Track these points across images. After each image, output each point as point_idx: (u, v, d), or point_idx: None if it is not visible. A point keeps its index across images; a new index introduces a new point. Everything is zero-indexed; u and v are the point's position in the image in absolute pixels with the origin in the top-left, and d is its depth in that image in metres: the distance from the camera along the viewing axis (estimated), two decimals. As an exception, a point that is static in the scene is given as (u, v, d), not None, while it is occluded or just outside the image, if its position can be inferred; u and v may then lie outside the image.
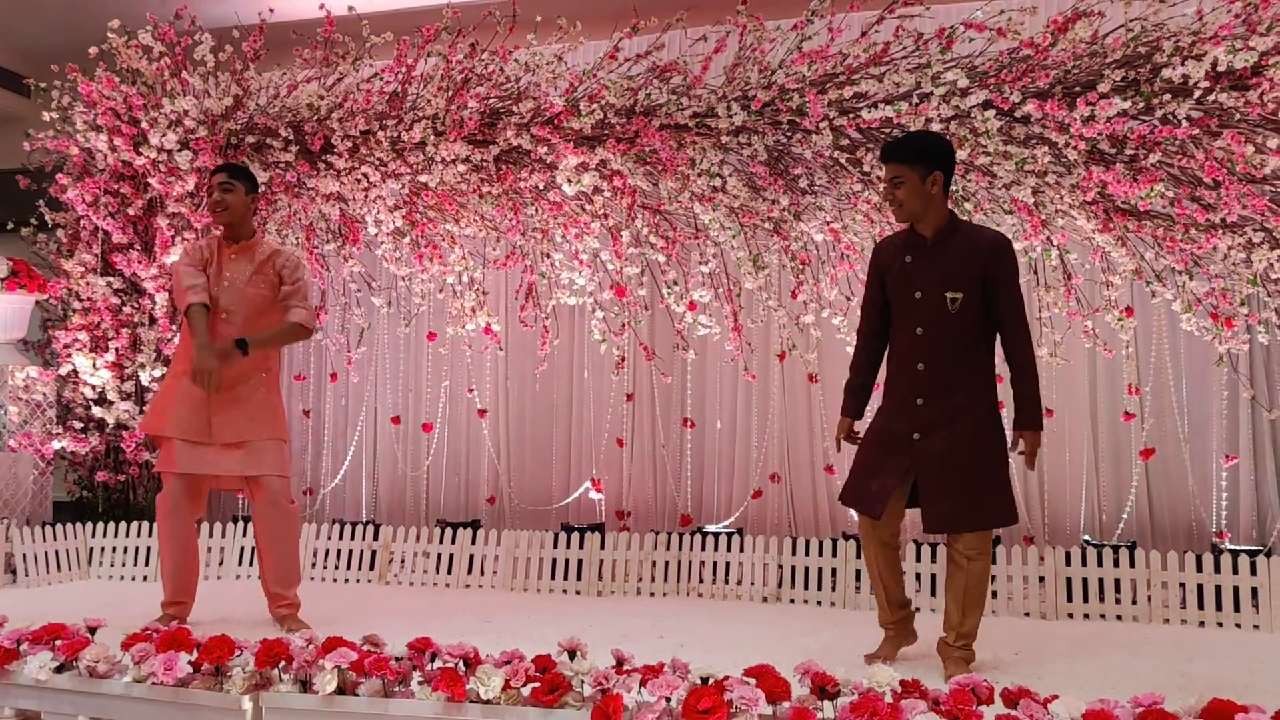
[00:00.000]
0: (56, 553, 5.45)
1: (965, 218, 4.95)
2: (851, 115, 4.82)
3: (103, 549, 5.64)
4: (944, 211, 3.50)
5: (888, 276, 3.57)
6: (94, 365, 5.83)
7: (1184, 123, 4.38)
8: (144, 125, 5.67)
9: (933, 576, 4.91)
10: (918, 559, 4.95)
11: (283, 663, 2.43)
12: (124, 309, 5.94)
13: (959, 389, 3.42)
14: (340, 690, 2.34)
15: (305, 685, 2.40)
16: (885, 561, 3.61)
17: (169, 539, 4.13)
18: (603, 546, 5.40)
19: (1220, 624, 4.53)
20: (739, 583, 5.19)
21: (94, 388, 5.88)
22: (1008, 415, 3.61)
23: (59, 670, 2.56)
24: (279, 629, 4.02)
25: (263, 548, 4.18)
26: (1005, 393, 3.53)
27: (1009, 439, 3.52)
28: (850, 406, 3.73)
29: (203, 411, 4.06)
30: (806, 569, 5.12)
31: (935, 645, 3.53)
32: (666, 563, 5.31)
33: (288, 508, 4.17)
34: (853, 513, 5.95)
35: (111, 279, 5.91)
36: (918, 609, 4.80)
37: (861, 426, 3.70)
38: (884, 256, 3.62)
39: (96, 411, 5.86)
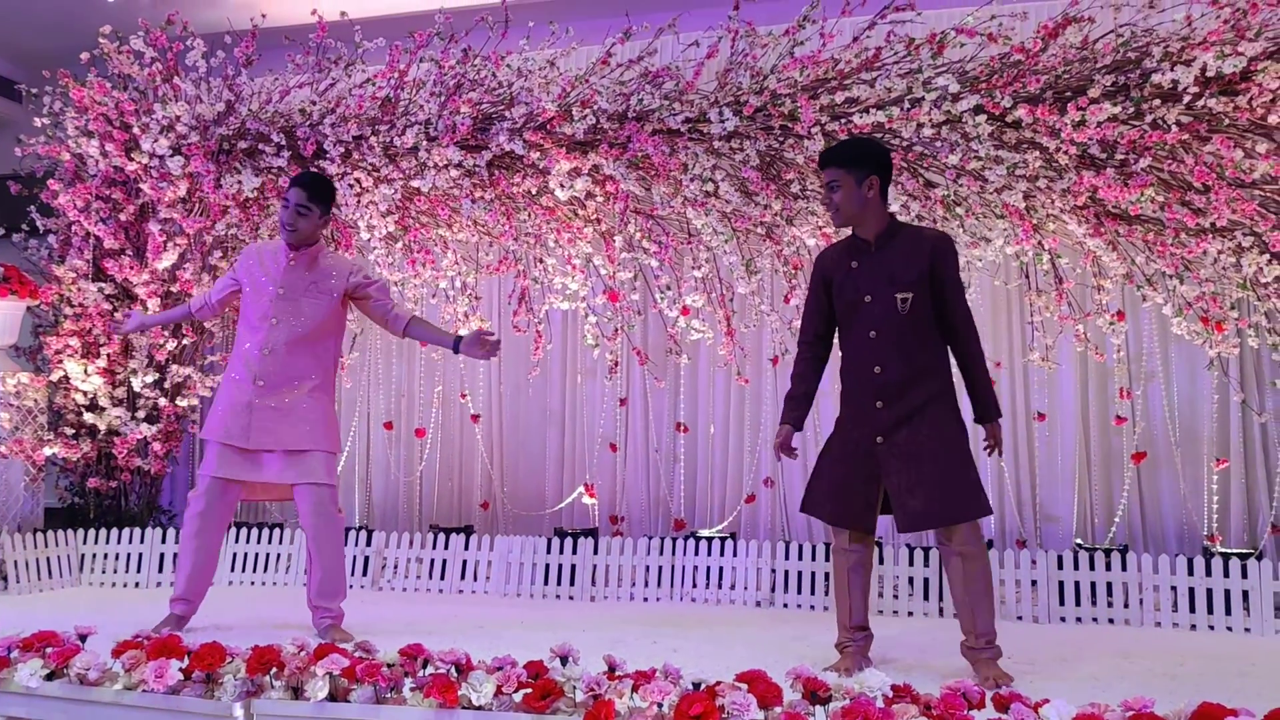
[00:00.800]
0: (48, 560, 5.44)
1: (957, 222, 4.97)
2: (843, 120, 4.84)
3: (94, 556, 5.63)
4: (883, 215, 3.52)
5: (834, 284, 3.58)
6: (85, 371, 5.82)
7: (1174, 128, 4.40)
8: (136, 131, 5.66)
9: (925, 580, 4.92)
10: (910, 563, 4.96)
11: (274, 669, 2.43)
12: (116, 314, 5.93)
13: (919, 390, 3.42)
14: (332, 697, 2.34)
15: (297, 692, 2.39)
16: (862, 577, 3.56)
17: (192, 538, 4.08)
18: (596, 551, 5.40)
19: (1212, 627, 4.55)
20: (732, 587, 5.20)
21: (85, 394, 5.87)
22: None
23: (49, 678, 2.55)
24: (277, 636, 3.99)
25: (311, 557, 4.12)
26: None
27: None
28: (790, 415, 3.66)
29: (244, 417, 4.03)
30: (799, 573, 5.12)
31: (960, 650, 3.48)
32: (660, 567, 5.31)
33: (335, 516, 4.09)
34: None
35: (103, 285, 5.90)
36: (910, 613, 4.84)
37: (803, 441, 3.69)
38: (828, 264, 3.63)
39: (88, 418, 5.85)
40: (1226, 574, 4.58)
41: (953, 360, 3.55)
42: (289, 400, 4.05)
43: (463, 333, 4.01)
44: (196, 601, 4.18)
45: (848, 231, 3.67)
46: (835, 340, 3.72)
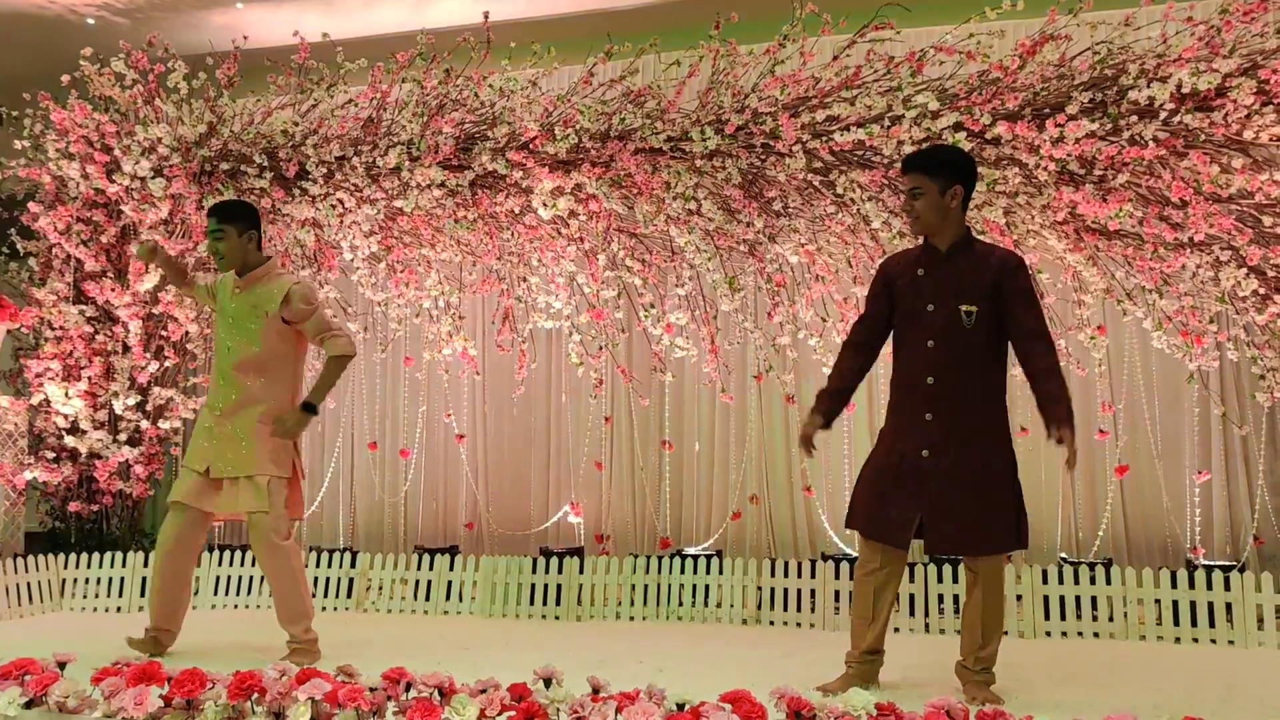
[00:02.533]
0: (29, 585, 5.38)
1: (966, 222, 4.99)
2: (824, 138, 4.86)
3: (75, 580, 5.57)
4: (961, 225, 3.44)
5: (897, 289, 3.49)
6: (66, 394, 5.78)
7: (1151, 143, 4.45)
8: (117, 153, 5.65)
9: (911, 597, 4.92)
10: (911, 580, 4.95)
11: (256, 695, 2.41)
12: (97, 337, 5.91)
13: (970, 408, 3.34)
14: (314, 722, 2.32)
15: (279, 717, 2.37)
16: (889, 595, 3.47)
17: (161, 567, 4.12)
18: (582, 571, 5.38)
19: (1196, 640, 4.56)
20: (718, 605, 5.18)
21: (66, 417, 5.83)
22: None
23: (28, 706, 2.52)
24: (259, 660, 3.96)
25: (270, 585, 4.15)
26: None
27: (1053, 437, 3.36)
28: (822, 408, 3.54)
29: (204, 443, 4.09)
30: (786, 590, 5.11)
31: (954, 669, 3.46)
32: (646, 586, 5.29)
33: (278, 545, 4.02)
34: (833, 534, 5.99)
35: (84, 307, 5.87)
36: (897, 629, 4.83)
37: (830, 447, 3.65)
38: (894, 269, 3.55)
39: (69, 441, 5.81)
40: (1210, 587, 4.60)
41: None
42: (240, 426, 4.06)
43: (312, 401, 4.06)
44: (173, 629, 4.17)
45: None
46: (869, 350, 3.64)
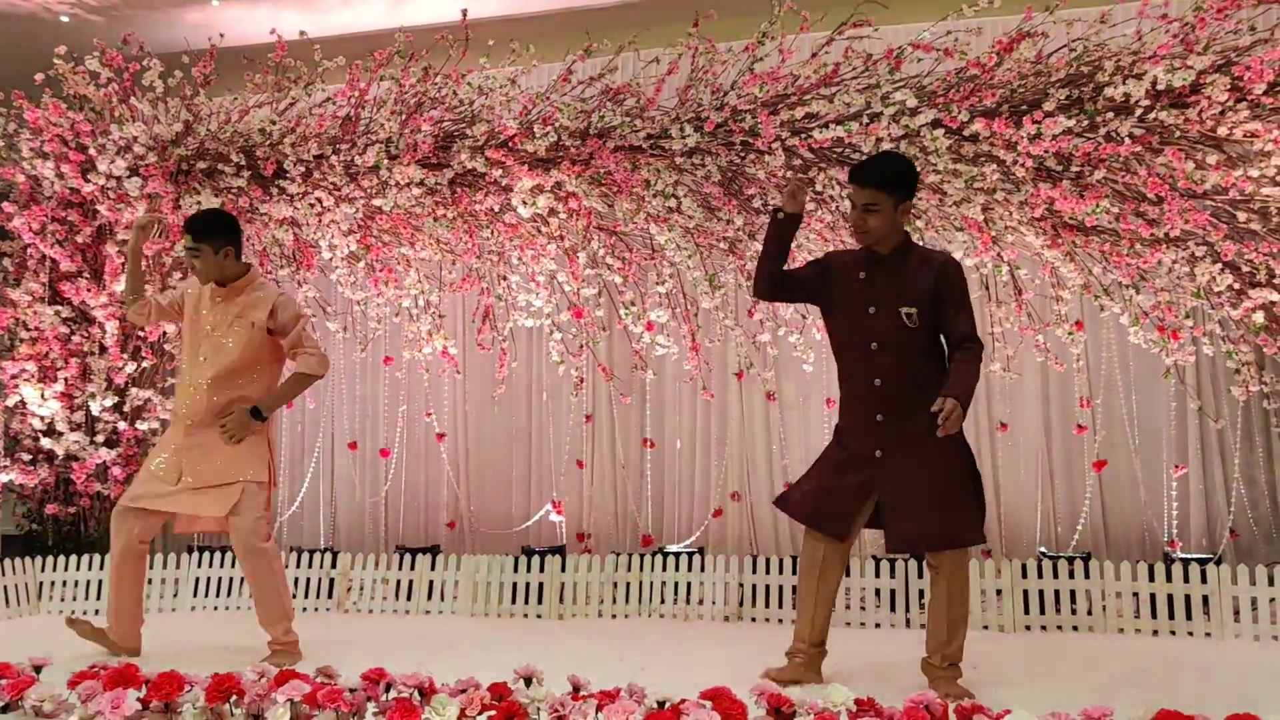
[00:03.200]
0: (4, 588, 5.33)
1: (916, 236, 5.01)
2: (803, 135, 4.87)
3: (53, 583, 5.53)
4: (902, 233, 3.55)
5: (836, 287, 3.58)
6: (42, 396, 5.73)
7: (1127, 140, 4.47)
8: (92, 152, 5.60)
9: (892, 592, 4.94)
10: (876, 574, 4.98)
11: (234, 697, 2.40)
12: (73, 338, 5.85)
13: (920, 407, 3.37)
14: (293, 724, 2.31)
15: (257, 719, 2.36)
16: (829, 586, 3.55)
17: (110, 564, 4.13)
18: (564, 569, 5.37)
19: (1173, 632, 4.60)
20: (700, 602, 5.19)
21: (43, 419, 5.78)
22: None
23: (4, 710, 2.51)
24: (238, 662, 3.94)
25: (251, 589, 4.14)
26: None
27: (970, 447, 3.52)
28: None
29: (176, 459, 4.06)
30: (767, 587, 5.13)
31: (920, 666, 3.50)
32: (628, 584, 5.30)
33: (259, 548, 4.04)
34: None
35: (60, 308, 5.82)
36: (878, 625, 4.86)
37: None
38: (836, 266, 3.65)
39: (45, 443, 5.76)
40: (1187, 579, 4.64)
41: None
42: (212, 437, 4.06)
43: (262, 408, 4.09)
44: (126, 635, 4.16)
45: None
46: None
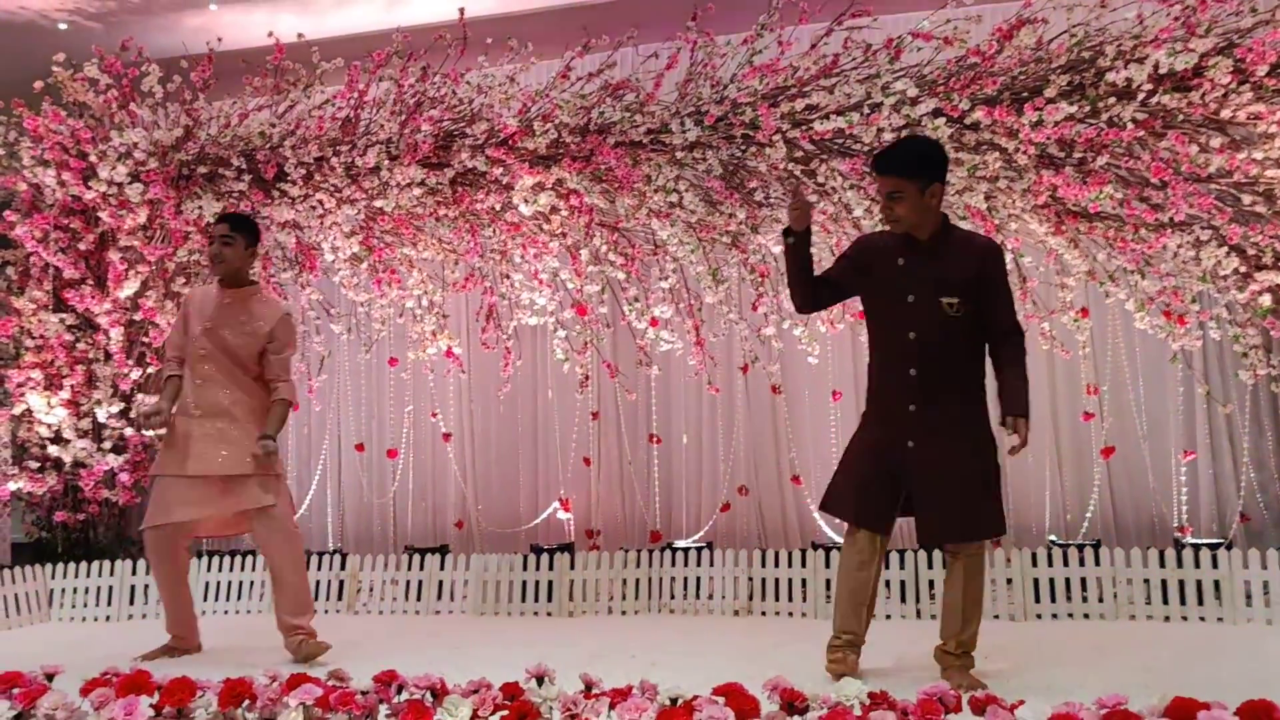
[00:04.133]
0: (15, 596, 5.34)
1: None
2: (804, 127, 4.86)
3: (63, 590, 5.53)
4: (939, 216, 3.41)
5: (873, 275, 3.46)
6: (49, 404, 5.74)
7: (1129, 125, 4.46)
8: (93, 159, 5.60)
9: (902, 583, 4.93)
10: (887, 565, 4.97)
11: (247, 702, 2.40)
12: (78, 345, 5.86)
13: (953, 397, 3.34)
14: (306, 727, 2.31)
15: (270, 724, 2.36)
16: (866, 577, 3.48)
17: (157, 580, 4.28)
18: (573, 567, 5.37)
19: (1185, 618, 4.58)
20: (710, 597, 5.19)
21: (49, 426, 5.78)
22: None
23: (17, 719, 2.50)
24: (293, 664, 3.95)
25: (275, 579, 4.16)
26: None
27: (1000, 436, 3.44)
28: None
29: (183, 446, 4.10)
30: (777, 580, 5.12)
31: (933, 653, 3.48)
32: (637, 580, 5.29)
33: (293, 533, 4.17)
34: (823, 523, 6.00)
35: (64, 315, 5.82)
36: (889, 616, 4.85)
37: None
38: (870, 252, 3.50)
39: (53, 450, 5.76)
40: (1197, 565, 4.62)
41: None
42: (222, 427, 4.11)
43: (270, 433, 4.13)
44: (188, 635, 4.27)
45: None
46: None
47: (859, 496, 3.46)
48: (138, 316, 5.83)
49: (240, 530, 4.34)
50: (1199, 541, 5.21)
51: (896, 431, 3.37)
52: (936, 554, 4.88)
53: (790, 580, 5.09)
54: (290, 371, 4.32)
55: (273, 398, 4.20)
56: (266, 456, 4.06)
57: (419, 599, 5.48)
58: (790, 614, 5.02)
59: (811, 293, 3.55)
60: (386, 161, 5.32)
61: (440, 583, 5.50)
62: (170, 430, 4.17)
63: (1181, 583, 4.63)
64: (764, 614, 5.07)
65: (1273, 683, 3.24)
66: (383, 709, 2.37)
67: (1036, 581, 4.80)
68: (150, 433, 4.30)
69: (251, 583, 5.60)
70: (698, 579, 5.24)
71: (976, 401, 3.41)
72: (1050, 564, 4.82)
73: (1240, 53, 4.29)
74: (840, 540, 5.79)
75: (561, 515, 6.38)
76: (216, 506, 4.10)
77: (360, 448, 6.79)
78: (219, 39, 5.91)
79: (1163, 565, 4.67)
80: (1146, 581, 4.69)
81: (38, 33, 6.40)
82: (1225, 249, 4.62)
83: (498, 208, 5.49)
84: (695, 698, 2.14)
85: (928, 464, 3.32)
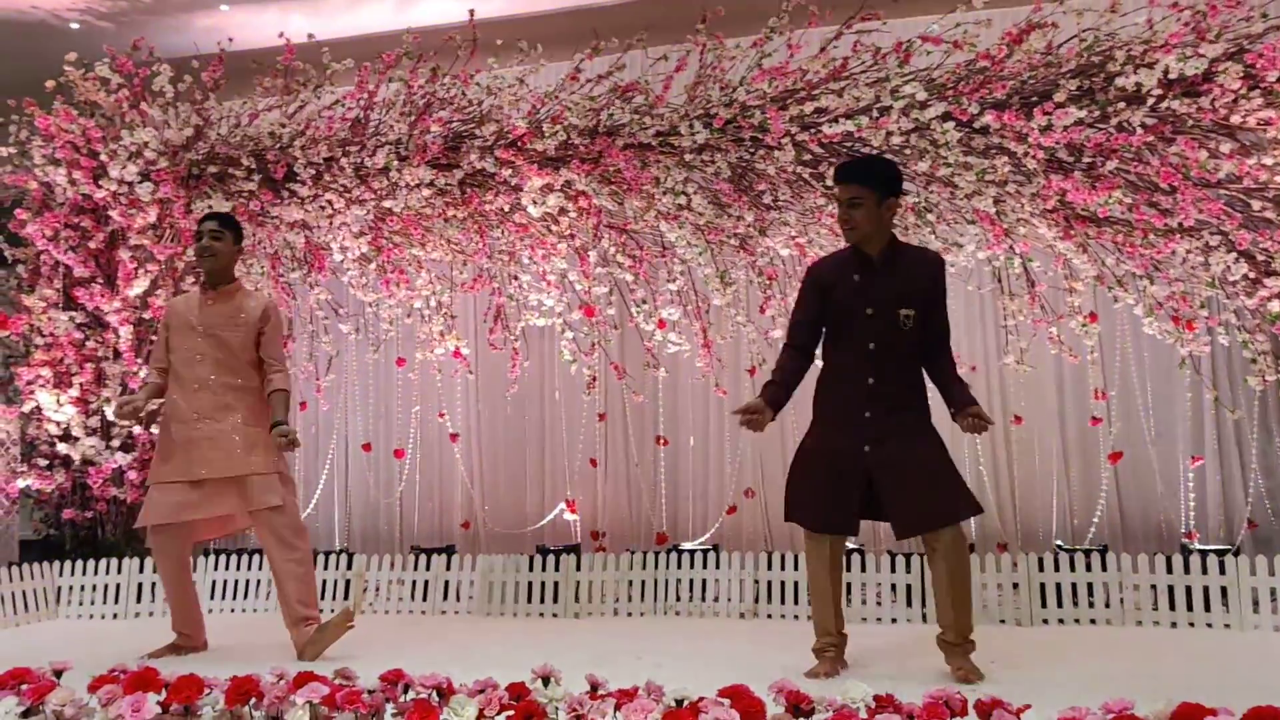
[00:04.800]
0: (24, 593, 5.36)
1: (928, 229, 5.00)
2: (813, 130, 4.86)
3: (71, 588, 5.55)
4: (889, 233, 3.60)
5: (832, 295, 3.61)
6: (58, 401, 5.76)
7: (1139, 130, 4.45)
8: (103, 158, 5.62)
9: (908, 587, 4.92)
10: (893, 569, 4.97)
11: (253, 699, 2.40)
12: (87, 343, 5.88)
13: (905, 403, 3.53)
14: (312, 726, 2.32)
15: (277, 722, 2.37)
16: (837, 577, 3.66)
17: (163, 580, 4.31)
18: (578, 568, 5.37)
19: (1192, 624, 4.57)
20: (716, 600, 5.18)
21: (58, 424, 5.81)
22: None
23: (25, 715, 2.51)
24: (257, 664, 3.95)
25: (279, 581, 4.14)
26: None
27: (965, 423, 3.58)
28: (769, 395, 3.58)
29: (183, 452, 4.09)
30: (783, 583, 5.11)
31: (935, 642, 3.59)
32: (643, 582, 5.29)
33: (301, 529, 4.18)
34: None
35: (74, 313, 5.84)
36: (894, 620, 4.84)
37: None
38: (826, 274, 3.67)
39: (62, 448, 5.78)
40: (1205, 571, 4.61)
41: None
42: (225, 428, 4.11)
43: (282, 418, 4.13)
44: (194, 633, 4.28)
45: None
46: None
47: (821, 504, 3.59)
48: (147, 315, 5.85)
49: (243, 528, 4.36)
50: (1206, 548, 5.20)
51: (854, 438, 3.50)
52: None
53: (796, 583, 5.09)
54: (283, 358, 4.32)
55: (268, 390, 4.19)
56: (288, 444, 4.05)
57: (425, 599, 5.48)
58: (796, 617, 5.02)
59: (804, 361, 3.69)
60: (396, 162, 5.34)
61: (446, 583, 5.50)
62: (165, 439, 4.17)
63: (1189, 589, 4.61)
64: (770, 617, 5.06)
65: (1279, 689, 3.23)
66: (389, 708, 2.37)
67: (1043, 586, 4.79)
68: (123, 422, 4.28)
69: (259, 581, 5.61)
70: (704, 581, 5.24)
71: (923, 404, 3.61)
72: (1057, 569, 4.81)
73: (1251, 58, 4.29)
74: (853, 546, 5.79)
75: (568, 516, 6.38)
76: (221, 506, 4.10)
77: (367, 448, 6.80)
78: (230, 39, 5.93)
79: (1170, 571, 4.66)
80: (1154, 587, 4.67)
81: (49, 32, 6.44)
82: (1234, 254, 4.61)
83: (506, 209, 5.50)
84: (701, 699, 2.14)
85: (887, 464, 3.46)
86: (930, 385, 3.63)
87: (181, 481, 4.07)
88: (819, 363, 3.72)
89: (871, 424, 3.48)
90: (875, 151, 4.83)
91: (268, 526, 4.09)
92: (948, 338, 3.64)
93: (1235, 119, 4.38)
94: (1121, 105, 4.46)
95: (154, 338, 5.62)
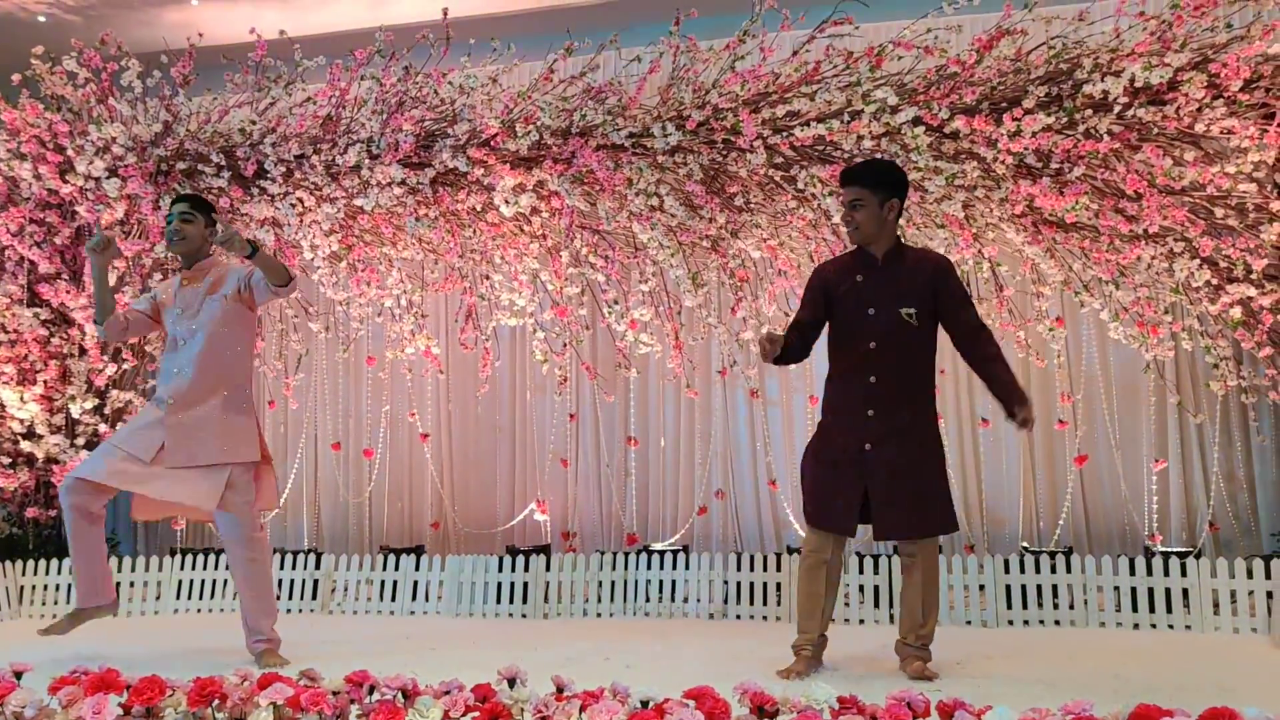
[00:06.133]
0: (-15, 592, 5.29)
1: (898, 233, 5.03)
2: (785, 133, 4.88)
3: (34, 587, 5.49)
4: (894, 235, 3.67)
5: (835, 295, 3.66)
6: (21, 399, 5.69)
7: (1105, 137, 4.51)
8: (70, 152, 5.56)
9: (876, 588, 4.96)
10: (860, 571, 5.00)
11: (217, 701, 2.38)
12: (52, 340, 5.81)
13: (908, 404, 3.56)
14: (276, 727, 2.30)
15: (240, 723, 2.35)
16: (835, 580, 3.68)
17: (74, 539, 4.01)
18: (548, 569, 5.37)
19: (1154, 625, 4.63)
20: (685, 601, 5.20)
21: (22, 421, 5.74)
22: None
23: (-16, 717, 2.48)
24: (221, 666, 3.91)
25: (235, 581, 4.06)
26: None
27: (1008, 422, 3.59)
28: (786, 343, 3.56)
29: (153, 433, 3.92)
30: (752, 584, 5.14)
31: (894, 646, 3.64)
32: (613, 583, 5.30)
33: (255, 537, 3.98)
34: (798, 527, 6.02)
35: (39, 309, 5.77)
36: (862, 620, 4.88)
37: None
38: (831, 275, 3.73)
39: (25, 446, 5.72)
40: (1167, 573, 4.67)
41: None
42: (200, 416, 3.95)
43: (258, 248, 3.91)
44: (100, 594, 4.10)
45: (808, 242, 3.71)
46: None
47: (821, 501, 3.64)
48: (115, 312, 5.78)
49: (200, 518, 4.22)
50: (1169, 550, 5.26)
51: (855, 437, 3.56)
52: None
53: (765, 585, 5.12)
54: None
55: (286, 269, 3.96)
56: (228, 236, 3.76)
57: (394, 599, 5.47)
58: (765, 618, 5.05)
59: (801, 351, 3.72)
60: (367, 160, 5.31)
61: (415, 583, 5.49)
62: (142, 413, 4.02)
63: (1151, 590, 4.68)
64: (739, 618, 5.09)
65: (1238, 690, 3.28)
66: (354, 709, 2.36)
67: (1008, 588, 4.84)
68: (92, 255, 4.02)
69: (225, 581, 5.57)
70: (673, 582, 5.26)
71: (927, 407, 3.64)
72: (1022, 570, 4.86)
73: (1215, 68, 4.35)
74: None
75: (538, 517, 6.38)
76: (167, 492, 3.89)
77: (337, 447, 6.76)
78: (200, 34, 5.88)
79: (1133, 573, 4.72)
80: (1117, 589, 4.73)
81: (16, 25, 6.36)
82: (1198, 261, 4.67)
83: (478, 208, 5.48)
84: (666, 701, 2.15)
85: (883, 465, 3.52)
86: (939, 385, 3.72)
87: (134, 457, 3.88)
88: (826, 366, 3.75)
89: (874, 423, 3.53)
90: (847, 155, 4.86)
91: (226, 524, 3.95)
92: (979, 327, 3.60)
93: (1199, 127, 4.44)
94: (1089, 112, 4.52)
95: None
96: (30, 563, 5.56)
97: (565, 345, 5.77)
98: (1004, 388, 3.53)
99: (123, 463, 3.89)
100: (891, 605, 4.89)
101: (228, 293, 4.05)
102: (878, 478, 3.52)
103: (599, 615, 5.22)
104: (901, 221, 5.04)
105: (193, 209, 4.12)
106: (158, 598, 5.55)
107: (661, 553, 5.39)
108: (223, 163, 5.50)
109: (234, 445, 3.96)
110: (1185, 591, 4.64)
